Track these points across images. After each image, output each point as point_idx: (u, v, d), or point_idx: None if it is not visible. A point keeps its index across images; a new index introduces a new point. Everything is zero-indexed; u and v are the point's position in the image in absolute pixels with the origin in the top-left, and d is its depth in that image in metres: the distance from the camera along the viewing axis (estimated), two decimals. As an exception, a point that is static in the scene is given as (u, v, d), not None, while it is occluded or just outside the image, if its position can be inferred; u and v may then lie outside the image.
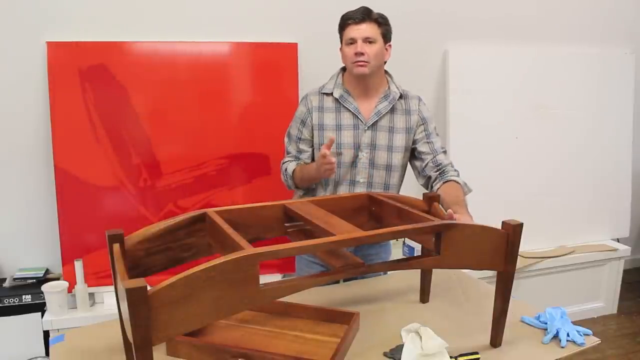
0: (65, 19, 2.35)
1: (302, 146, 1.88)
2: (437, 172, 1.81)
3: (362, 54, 1.72)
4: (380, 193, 1.61)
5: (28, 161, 2.43)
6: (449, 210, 1.42)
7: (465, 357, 1.28)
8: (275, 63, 2.57)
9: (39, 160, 2.43)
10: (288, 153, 1.92)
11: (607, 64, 3.26)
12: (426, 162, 1.84)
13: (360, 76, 1.78)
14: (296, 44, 2.59)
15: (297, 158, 1.89)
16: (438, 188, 1.75)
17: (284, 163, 1.91)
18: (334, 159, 1.63)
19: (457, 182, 1.75)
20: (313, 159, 1.88)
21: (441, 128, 2.95)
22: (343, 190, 1.85)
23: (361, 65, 1.74)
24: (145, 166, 2.45)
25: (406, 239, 2.69)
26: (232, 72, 2.53)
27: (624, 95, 3.31)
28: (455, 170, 1.82)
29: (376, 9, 1.78)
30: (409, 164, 1.93)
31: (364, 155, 1.83)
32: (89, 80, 2.34)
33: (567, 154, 3.21)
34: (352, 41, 1.74)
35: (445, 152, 1.88)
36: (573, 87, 3.18)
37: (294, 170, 1.84)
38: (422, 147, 1.86)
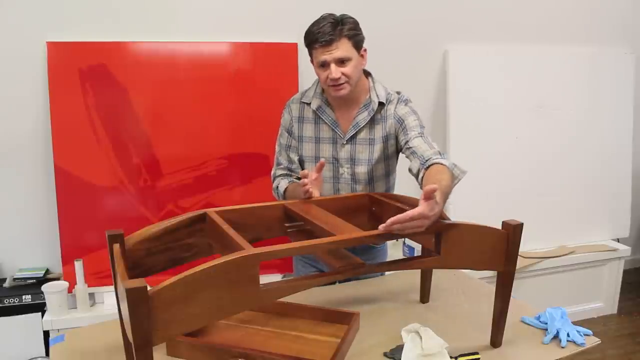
0: (65, 19, 2.36)
1: (292, 155, 1.78)
2: (420, 163, 1.50)
3: (338, 78, 1.57)
4: (381, 193, 1.61)
5: (28, 161, 2.43)
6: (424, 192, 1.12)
7: (465, 357, 1.28)
8: (275, 63, 2.57)
9: (39, 160, 2.43)
10: (278, 164, 1.80)
11: (607, 64, 3.26)
12: (411, 160, 1.57)
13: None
14: (296, 44, 2.58)
15: (288, 170, 1.78)
16: (422, 177, 1.43)
17: (275, 177, 1.79)
18: (307, 184, 1.45)
19: (442, 164, 1.41)
20: (302, 168, 1.78)
21: (441, 128, 2.98)
22: None
23: (339, 89, 1.59)
24: (145, 166, 2.45)
25: (406, 239, 2.69)
26: (232, 72, 2.53)
27: (624, 95, 3.31)
28: (441, 153, 1.50)
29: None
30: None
31: (345, 171, 1.72)
32: (89, 80, 2.35)
33: (567, 154, 3.21)
34: (324, 64, 1.58)
35: (428, 141, 1.57)
36: (573, 87, 3.19)
37: (285, 189, 1.71)
38: (406, 151, 1.62)
